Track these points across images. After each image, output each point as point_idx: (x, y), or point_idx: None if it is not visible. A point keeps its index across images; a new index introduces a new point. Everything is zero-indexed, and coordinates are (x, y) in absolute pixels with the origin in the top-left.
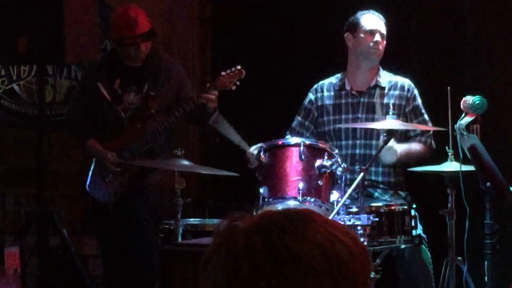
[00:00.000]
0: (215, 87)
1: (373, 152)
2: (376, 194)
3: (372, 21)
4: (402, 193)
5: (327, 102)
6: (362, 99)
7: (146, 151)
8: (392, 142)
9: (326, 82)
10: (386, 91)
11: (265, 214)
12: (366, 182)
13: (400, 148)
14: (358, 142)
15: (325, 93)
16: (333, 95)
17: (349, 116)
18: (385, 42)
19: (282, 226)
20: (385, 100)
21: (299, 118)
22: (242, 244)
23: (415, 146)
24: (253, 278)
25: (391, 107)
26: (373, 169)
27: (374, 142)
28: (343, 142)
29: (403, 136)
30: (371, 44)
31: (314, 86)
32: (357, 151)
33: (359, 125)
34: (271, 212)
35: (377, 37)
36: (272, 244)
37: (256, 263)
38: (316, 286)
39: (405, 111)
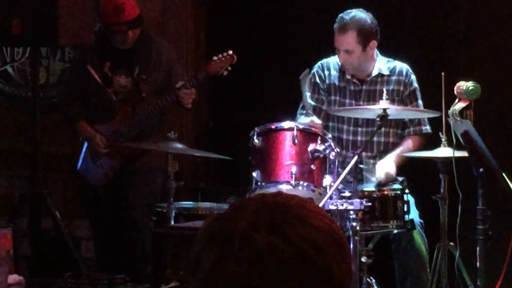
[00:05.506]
0: (206, 72)
1: (375, 139)
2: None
3: (335, 38)
4: (399, 177)
5: (334, 81)
6: (364, 87)
7: (138, 134)
8: (383, 166)
9: (330, 61)
10: (386, 78)
11: (262, 208)
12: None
13: (391, 163)
14: (360, 129)
15: (332, 72)
16: (339, 76)
17: (352, 101)
18: (357, 51)
19: (288, 218)
20: (385, 87)
21: (310, 94)
22: (263, 245)
23: (406, 145)
24: (280, 274)
25: (385, 92)
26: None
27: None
28: (345, 127)
29: (399, 123)
30: (340, 61)
31: (320, 63)
32: (359, 138)
33: (354, 105)
34: (266, 203)
35: (341, 57)
36: (292, 241)
37: (281, 261)
38: (337, 268)
39: (402, 96)
